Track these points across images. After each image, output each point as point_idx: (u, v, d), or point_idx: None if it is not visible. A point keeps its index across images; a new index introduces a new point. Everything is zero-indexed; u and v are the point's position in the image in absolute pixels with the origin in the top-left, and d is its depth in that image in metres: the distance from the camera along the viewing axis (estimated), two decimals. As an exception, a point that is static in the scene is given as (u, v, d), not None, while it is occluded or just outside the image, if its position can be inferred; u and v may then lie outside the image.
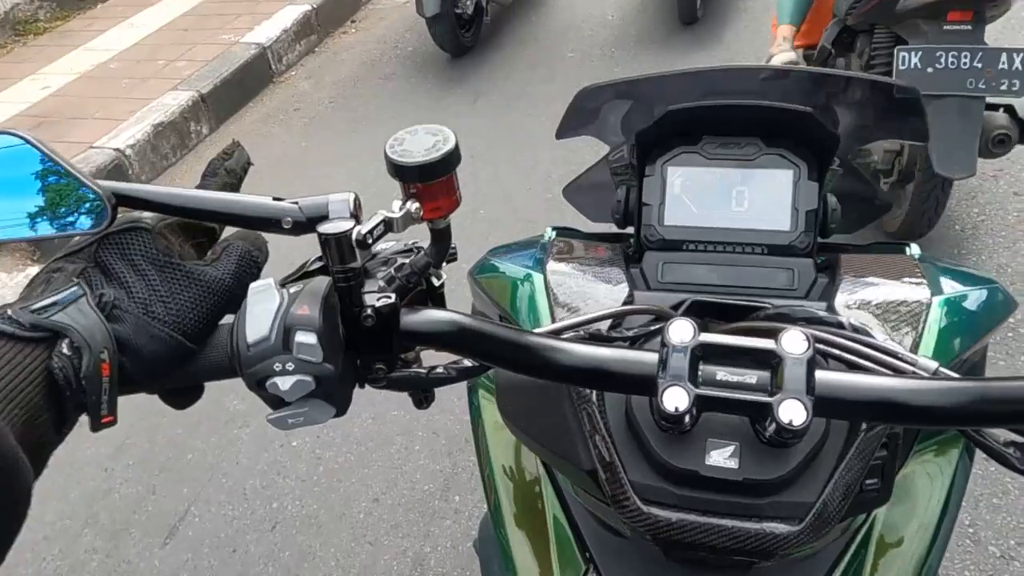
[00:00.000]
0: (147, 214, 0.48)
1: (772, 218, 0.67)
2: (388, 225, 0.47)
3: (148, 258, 0.46)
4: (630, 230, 0.76)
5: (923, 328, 0.57)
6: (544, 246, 0.72)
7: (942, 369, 0.49)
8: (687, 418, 0.44)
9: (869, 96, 0.69)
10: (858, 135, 0.72)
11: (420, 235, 0.53)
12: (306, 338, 0.44)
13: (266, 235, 0.52)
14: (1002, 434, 0.48)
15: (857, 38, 1.99)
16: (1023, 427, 0.46)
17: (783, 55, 2.25)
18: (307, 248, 0.49)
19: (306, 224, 0.48)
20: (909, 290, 0.60)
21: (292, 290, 0.46)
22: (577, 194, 0.91)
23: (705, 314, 0.60)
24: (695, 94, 0.71)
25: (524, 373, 0.49)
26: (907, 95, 0.66)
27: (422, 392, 0.56)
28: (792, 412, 0.42)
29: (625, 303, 0.62)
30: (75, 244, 0.47)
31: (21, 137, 0.45)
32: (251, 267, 0.50)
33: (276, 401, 0.46)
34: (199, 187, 0.51)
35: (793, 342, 0.43)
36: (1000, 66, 1.73)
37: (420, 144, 0.47)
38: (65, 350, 0.41)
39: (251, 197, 0.49)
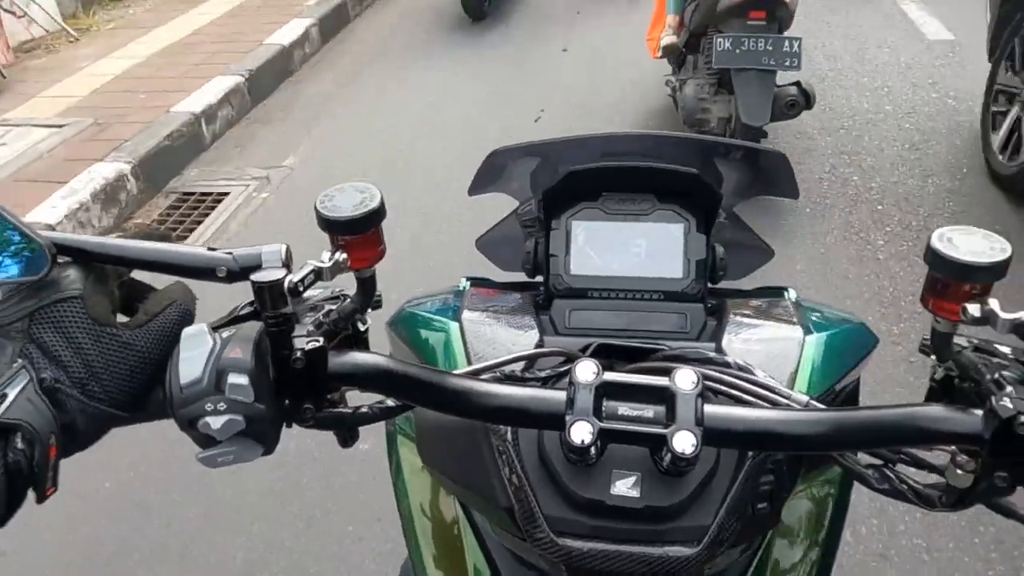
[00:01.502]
0: (72, 275, 0.49)
1: (666, 267, 0.73)
2: (318, 274, 0.51)
3: (83, 329, 0.47)
4: (539, 279, 0.80)
5: (798, 364, 0.63)
6: (459, 295, 0.76)
7: (812, 402, 0.55)
8: (592, 450, 0.48)
9: (744, 158, 0.77)
10: (739, 191, 0.80)
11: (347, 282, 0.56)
12: (238, 379, 0.46)
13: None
14: (863, 457, 0.54)
15: (700, 40, 2.79)
16: (879, 451, 0.53)
17: (668, 39, 3.06)
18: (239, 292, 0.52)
19: (239, 273, 0.50)
20: (785, 330, 0.67)
21: (224, 334, 0.48)
22: (489, 246, 0.95)
23: (610, 356, 0.64)
24: (596, 155, 0.77)
25: (443, 411, 0.52)
26: (774, 160, 0.75)
27: (347, 431, 0.59)
28: (684, 442, 0.47)
29: (536, 347, 0.66)
30: (4, 315, 0.46)
31: None
32: (186, 317, 0.52)
33: (206, 440, 0.47)
34: (119, 231, 0.53)
35: (684, 379, 0.49)
36: (783, 49, 2.59)
37: (348, 200, 0.51)
38: (19, 444, 0.41)
39: (186, 248, 0.52)
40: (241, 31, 5.07)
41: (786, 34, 2.61)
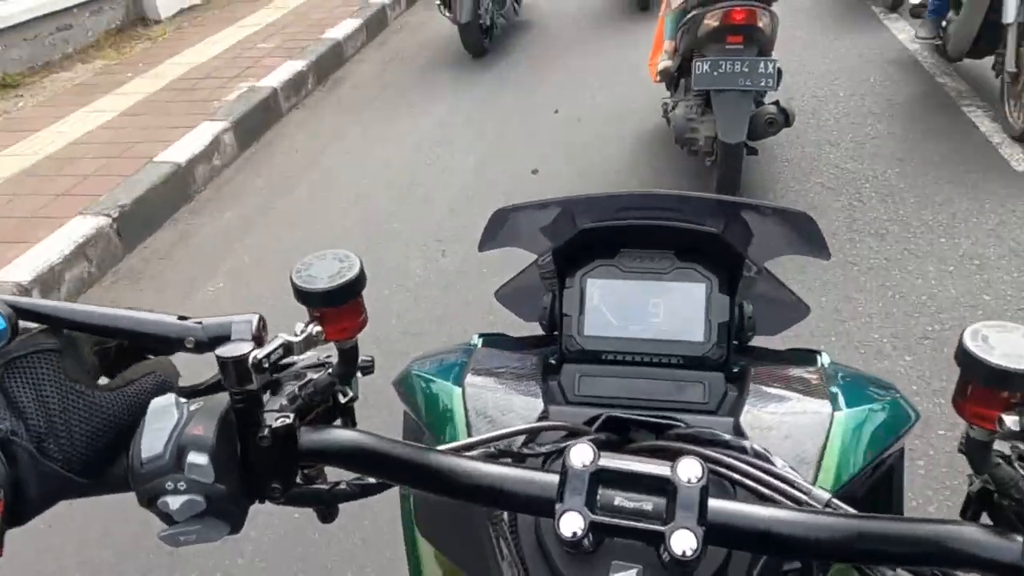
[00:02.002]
0: (49, 334, 0.48)
1: (687, 330, 0.69)
2: (288, 349, 0.48)
3: (53, 383, 0.46)
4: (556, 334, 0.76)
5: (825, 444, 0.58)
6: (467, 353, 0.72)
7: (834, 500, 0.50)
8: (586, 542, 0.44)
9: (768, 219, 0.73)
10: (768, 248, 0.76)
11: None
12: (198, 459, 0.44)
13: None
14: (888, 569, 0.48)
15: (690, 63, 2.94)
16: (909, 567, 0.47)
17: (664, 63, 3.27)
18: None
19: (208, 344, 0.49)
20: (813, 404, 0.62)
21: (192, 407, 0.46)
22: (509, 296, 0.91)
23: (620, 429, 0.60)
24: (612, 211, 0.74)
25: (426, 491, 0.49)
26: (800, 221, 0.71)
27: (325, 508, 0.56)
28: (684, 542, 0.42)
29: (540, 418, 0.62)
30: None
31: None
32: (162, 388, 0.51)
33: (169, 518, 0.45)
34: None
35: (688, 469, 0.44)
36: (759, 71, 2.76)
37: (326, 270, 0.49)
38: None
39: (155, 315, 0.50)
40: (130, 140, 3.94)
41: (762, 57, 2.79)
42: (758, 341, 0.75)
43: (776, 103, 2.95)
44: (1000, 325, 0.43)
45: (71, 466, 0.45)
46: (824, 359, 0.72)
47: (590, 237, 0.71)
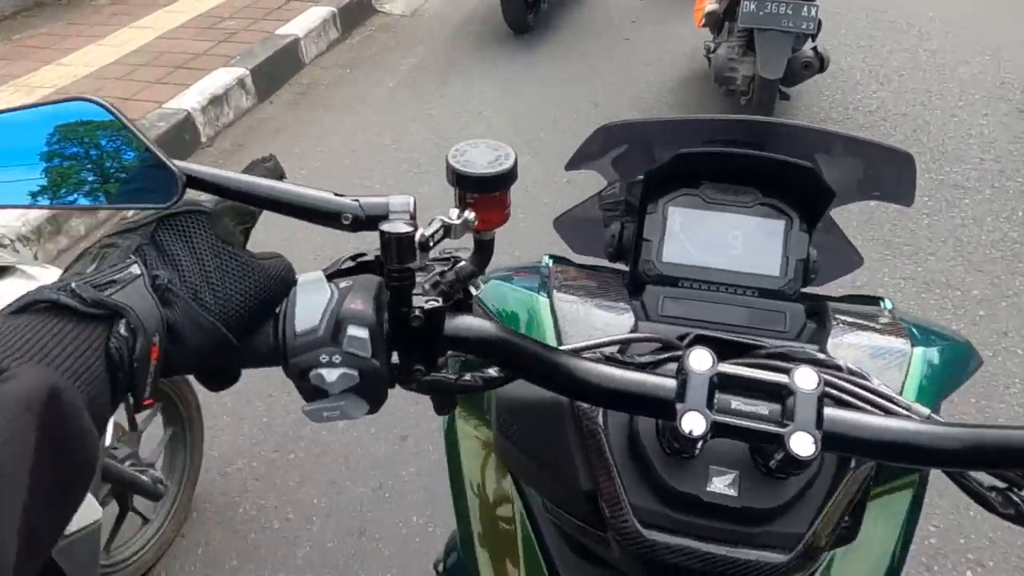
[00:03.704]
0: (205, 197, 0.48)
1: (764, 263, 0.70)
2: (447, 231, 0.49)
3: (205, 241, 0.46)
4: (620, 265, 0.78)
5: (906, 376, 0.60)
6: (544, 272, 0.73)
7: (934, 415, 0.52)
8: (700, 443, 0.46)
9: (865, 155, 0.74)
10: (848, 193, 0.76)
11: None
12: (358, 332, 0.44)
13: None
14: (985, 479, 0.51)
15: (736, 7, 3.09)
16: (1009, 473, 0.50)
17: (711, 6, 3.38)
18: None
19: (365, 222, 0.49)
20: (893, 340, 0.64)
21: (342, 284, 0.47)
22: (566, 226, 0.93)
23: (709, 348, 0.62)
24: (701, 139, 0.75)
25: (552, 389, 0.50)
26: (900, 160, 0.71)
27: (445, 397, 0.57)
28: (802, 444, 0.44)
29: (632, 331, 0.63)
30: (131, 222, 0.46)
31: (102, 105, 0.44)
32: (293, 281, 0.51)
33: (315, 392, 0.46)
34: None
35: (805, 378, 0.46)
36: (802, 14, 2.95)
37: (482, 157, 0.49)
38: (122, 331, 0.40)
39: (315, 191, 0.50)
40: (254, 16, 4.51)
41: (805, 2, 2.95)
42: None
43: (814, 48, 3.12)
44: None
45: (225, 321, 0.46)
46: (888, 304, 0.73)
47: (679, 164, 0.71)
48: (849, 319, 0.66)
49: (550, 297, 0.67)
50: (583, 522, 0.59)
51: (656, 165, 0.72)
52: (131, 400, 0.42)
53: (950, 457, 0.45)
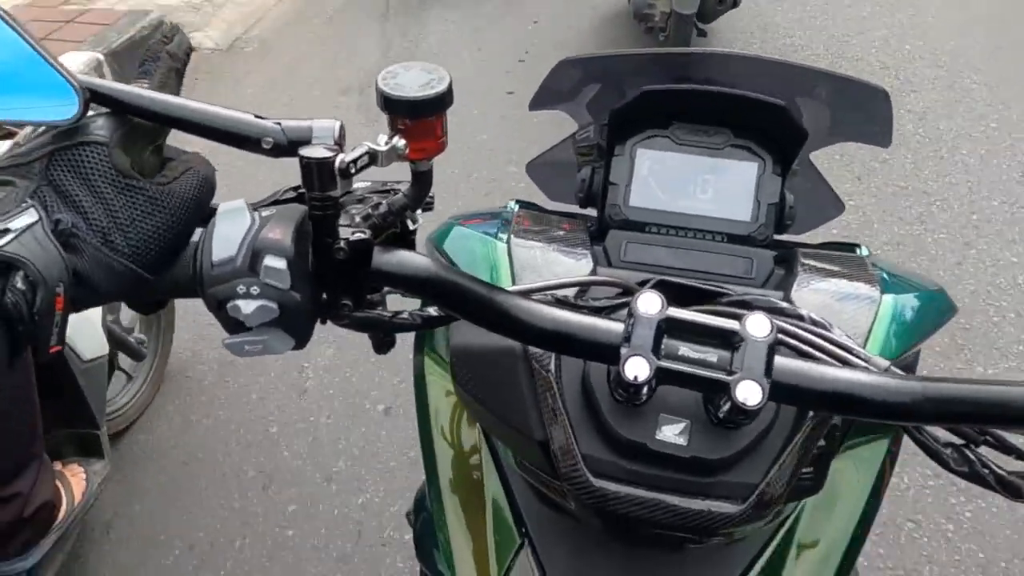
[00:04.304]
0: (101, 123, 0.45)
1: (735, 208, 0.68)
2: (372, 158, 0.46)
3: (106, 178, 0.43)
4: (591, 211, 0.76)
5: (873, 324, 0.59)
6: (507, 217, 0.72)
7: (892, 368, 0.50)
8: (645, 389, 0.44)
9: (840, 93, 0.71)
10: (823, 134, 0.74)
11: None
12: (275, 263, 0.43)
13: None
14: (942, 434, 0.50)
15: None
16: (964, 428, 0.49)
17: None
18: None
19: (287, 147, 0.46)
20: (861, 287, 0.62)
21: (264, 213, 0.44)
22: (539, 171, 0.91)
23: (668, 294, 0.60)
24: (670, 77, 0.72)
25: (491, 329, 0.48)
26: (875, 97, 0.68)
27: (383, 336, 0.55)
28: (748, 392, 0.42)
29: (590, 276, 0.62)
30: (19, 155, 0.43)
31: None
32: (210, 193, 0.48)
33: (235, 325, 0.44)
34: (140, 74, 0.49)
35: (757, 326, 0.44)
36: None
37: (415, 80, 0.46)
38: (19, 284, 0.38)
39: (233, 112, 0.47)
40: None
41: None
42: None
43: None
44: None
45: (140, 261, 0.44)
46: (863, 251, 0.72)
47: (647, 104, 0.69)
48: (817, 266, 0.64)
49: (508, 242, 0.65)
50: (542, 471, 0.58)
51: (621, 104, 0.69)
52: (32, 354, 0.40)
53: (901, 411, 0.43)
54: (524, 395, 0.56)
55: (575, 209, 0.79)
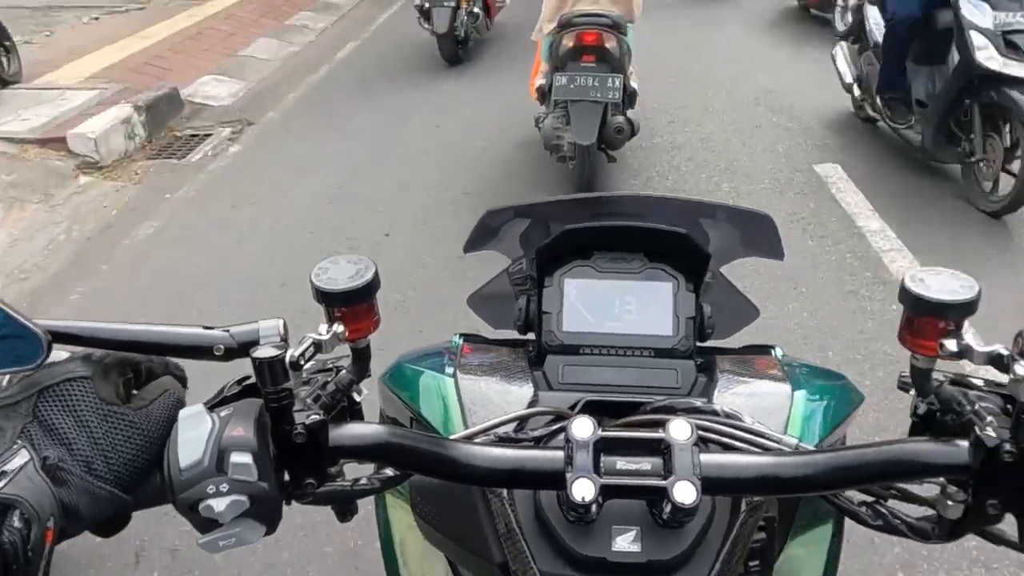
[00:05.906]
0: (80, 358, 0.49)
1: (657, 324, 0.74)
2: (318, 347, 0.51)
3: (91, 408, 0.46)
4: (530, 336, 0.80)
5: (788, 419, 0.65)
6: (452, 352, 0.75)
7: (802, 444, 0.57)
8: (594, 507, 0.48)
9: (731, 220, 0.80)
10: (726, 252, 0.82)
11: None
12: (241, 458, 0.45)
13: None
14: (855, 496, 0.55)
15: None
16: (870, 488, 0.54)
17: (539, 81, 3.67)
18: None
19: (238, 350, 0.51)
20: (775, 386, 0.69)
21: (223, 413, 0.47)
22: (480, 304, 0.95)
23: (599, 412, 0.64)
24: (588, 215, 0.79)
25: (445, 479, 0.52)
26: (760, 221, 0.78)
27: (346, 504, 0.57)
28: (684, 492, 0.47)
29: (531, 404, 0.66)
30: (8, 395, 0.46)
31: None
32: (180, 405, 0.52)
33: (207, 524, 0.46)
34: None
35: (679, 430, 0.49)
36: (607, 85, 3.34)
37: (343, 272, 0.52)
38: (16, 523, 0.40)
39: (183, 328, 0.52)
40: None
41: (610, 74, 3.36)
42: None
43: (625, 115, 3.54)
44: (932, 270, 0.51)
45: (120, 483, 0.46)
46: (778, 352, 0.79)
47: (568, 240, 0.76)
48: (735, 371, 0.71)
49: (455, 378, 0.69)
50: None
51: (546, 241, 0.76)
52: None
53: (815, 482, 0.49)
54: (481, 522, 0.59)
55: (516, 335, 0.83)
